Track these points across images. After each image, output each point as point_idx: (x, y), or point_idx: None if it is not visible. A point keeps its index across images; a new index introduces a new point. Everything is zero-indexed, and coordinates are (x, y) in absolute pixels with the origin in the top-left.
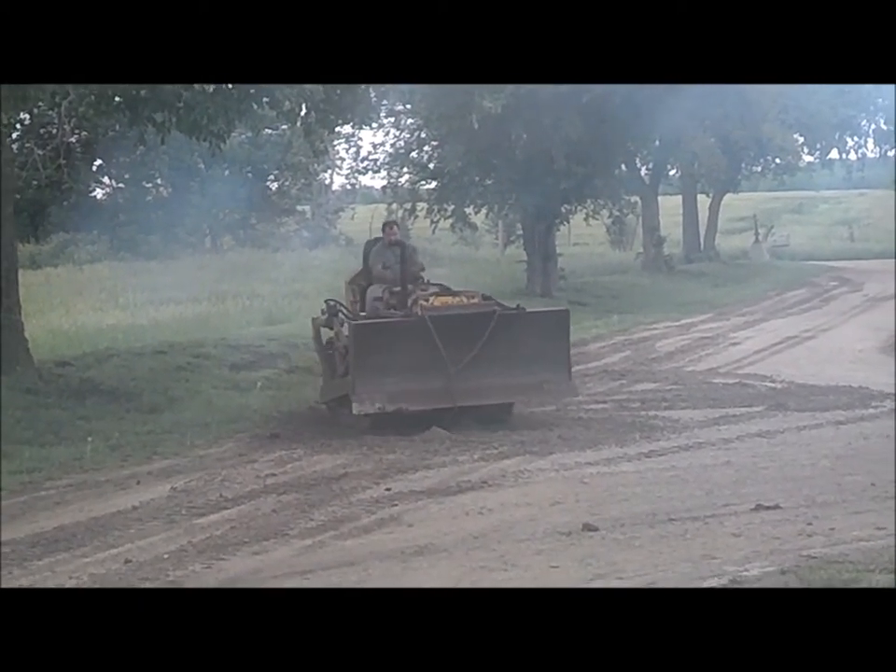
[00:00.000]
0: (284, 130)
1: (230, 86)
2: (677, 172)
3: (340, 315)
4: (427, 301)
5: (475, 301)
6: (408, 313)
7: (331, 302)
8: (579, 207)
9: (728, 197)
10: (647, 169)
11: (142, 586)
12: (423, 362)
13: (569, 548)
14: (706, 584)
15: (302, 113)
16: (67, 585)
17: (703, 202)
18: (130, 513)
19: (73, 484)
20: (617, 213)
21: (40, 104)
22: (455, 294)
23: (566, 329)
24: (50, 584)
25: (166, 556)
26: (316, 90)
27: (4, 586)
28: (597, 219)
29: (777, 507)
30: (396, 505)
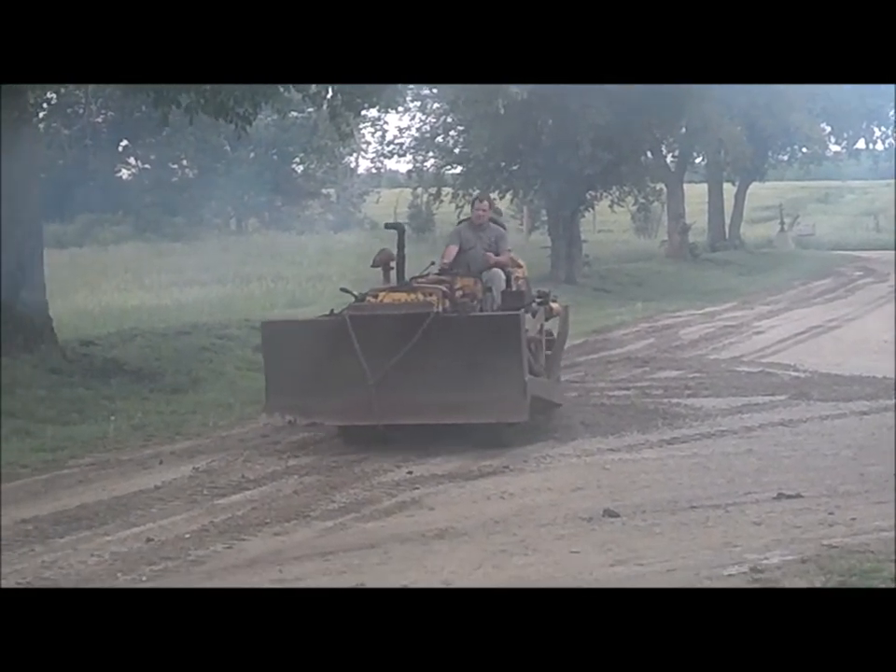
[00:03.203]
0: (310, 113)
1: None
2: (703, 160)
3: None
4: (376, 296)
5: (432, 297)
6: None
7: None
8: (604, 194)
9: (754, 186)
10: (673, 156)
11: (163, 566)
12: (343, 371)
13: (590, 533)
14: (726, 572)
15: (328, 96)
16: (90, 563)
17: (728, 190)
18: (152, 493)
19: (96, 463)
20: (642, 200)
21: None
22: (413, 290)
23: (516, 336)
24: (73, 561)
25: (188, 536)
26: None
27: (27, 563)
28: (622, 206)
29: (798, 496)
30: (417, 488)
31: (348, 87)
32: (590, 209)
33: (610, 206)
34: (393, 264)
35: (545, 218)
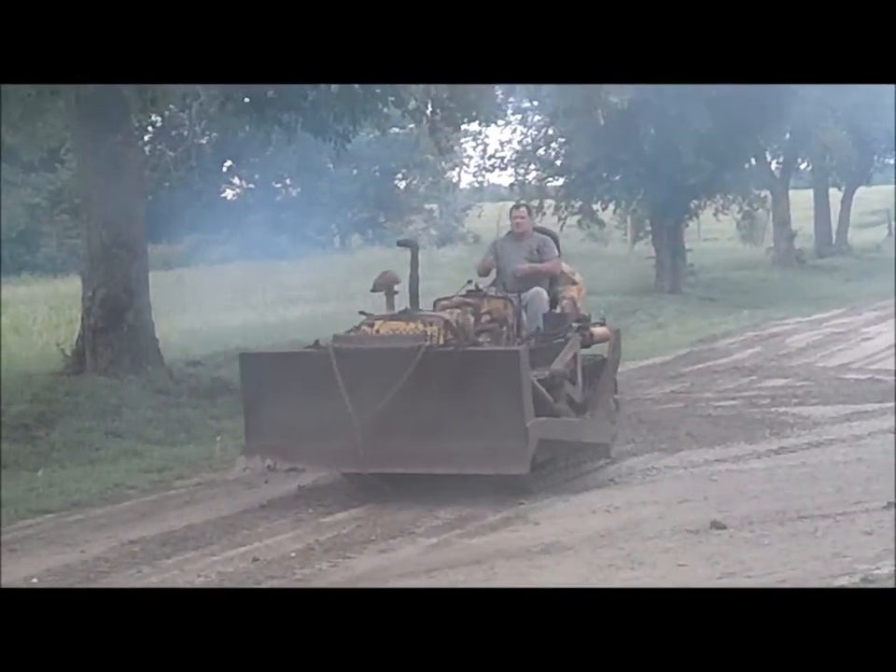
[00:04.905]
0: (411, 128)
1: (356, 85)
2: (808, 165)
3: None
4: (371, 325)
5: (432, 328)
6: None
7: None
8: (708, 202)
9: (861, 190)
10: (777, 163)
11: (269, 585)
12: (327, 411)
13: (697, 546)
14: (836, 583)
15: (428, 111)
16: (196, 584)
17: (835, 195)
18: (258, 512)
19: (202, 483)
20: (747, 207)
21: (171, 106)
22: (413, 319)
23: (516, 374)
24: (180, 583)
25: (293, 555)
26: (442, 87)
27: (135, 585)
28: (727, 214)
29: None
30: (522, 503)
31: (447, 101)
32: (694, 218)
33: (715, 215)
34: (398, 287)
35: (649, 228)
